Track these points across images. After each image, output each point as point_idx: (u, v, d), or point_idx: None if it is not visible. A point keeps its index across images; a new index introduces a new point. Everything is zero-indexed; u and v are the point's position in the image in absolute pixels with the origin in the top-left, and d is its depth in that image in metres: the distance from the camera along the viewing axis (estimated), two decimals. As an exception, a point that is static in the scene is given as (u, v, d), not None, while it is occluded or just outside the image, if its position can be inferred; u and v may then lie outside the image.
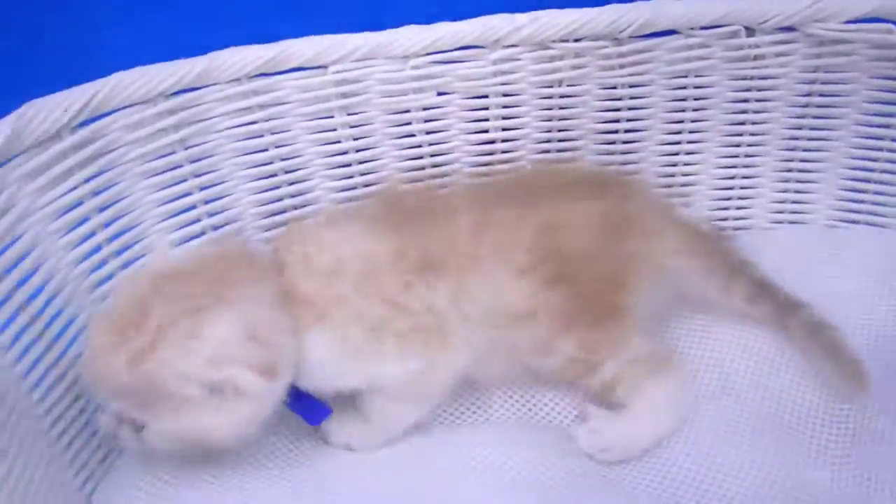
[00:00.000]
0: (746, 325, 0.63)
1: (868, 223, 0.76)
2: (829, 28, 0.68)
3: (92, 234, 0.55)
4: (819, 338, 0.57)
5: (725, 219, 0.79)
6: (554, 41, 0.67)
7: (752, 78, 0.71)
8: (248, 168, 0.63)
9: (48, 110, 0.50)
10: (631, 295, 0.57)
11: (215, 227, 0.64)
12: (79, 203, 0.54)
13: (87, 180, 0.54)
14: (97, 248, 0.55)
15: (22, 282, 0.49)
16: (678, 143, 0.75)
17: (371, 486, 0.51)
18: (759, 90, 0.72)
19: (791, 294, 0.60)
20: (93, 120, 0.54)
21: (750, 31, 0.69)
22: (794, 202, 0.78)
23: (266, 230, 0.67)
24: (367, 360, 0.51)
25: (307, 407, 0.53)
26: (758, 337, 0.63)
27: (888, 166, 0.74)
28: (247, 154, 0.63)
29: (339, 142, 0.67)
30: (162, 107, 0.57)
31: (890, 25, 0.67)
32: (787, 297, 0.60)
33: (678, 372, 0.57)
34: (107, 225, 0.56)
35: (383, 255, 0.52)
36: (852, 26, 0.68)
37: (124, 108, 0.55)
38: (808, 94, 0.72)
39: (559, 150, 0.73)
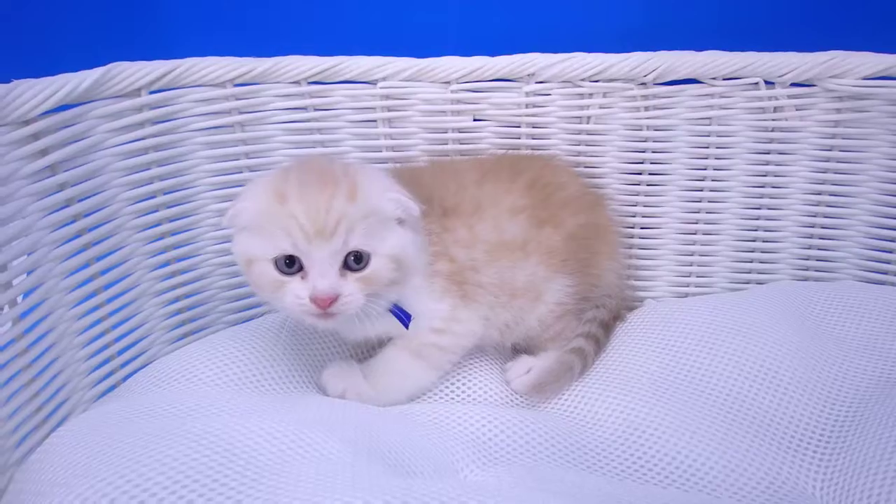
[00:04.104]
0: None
1: (894, 284, 0.75)
2: (846, 84, 0.72)
3: (150, 182, 0.63)
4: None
5: (749, 271, 0.79)
6: (583, 80, 0.74)
7: (773, 129, 0.75)
8: (296, 159, 0.71)
9: (131, 71, 0.60)
10: (605, 252, 0.68)
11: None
12: (144, 152, 0.62)
13: (154, 136, 0.63)
14: (152, 196, 0.63)
15: (82, 199, 0.57)
16: (701, 189, 0.78)
17: (347, 419, 0.53)
18: (781, 142, 0.76)
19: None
20: (168, 90, 0.63)
21: (769, 84, 0.74)
22: (819, 259, 0.78)
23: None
24: (423, 287, 0.59)
25: (400, 312, 0.58)
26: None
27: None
28: (297, 148, 0.71)
29: (380, 150, 0.74)
30: (229, 92, 0.67)
31: (905, 82, 0.71)
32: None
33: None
34: (164, 179, 0.64)
35: (423, 196, 0.59)
36: (869, 82, 0.72)
37: (196, 86, 0.65)
38: (830, 149, 0.75)
39: (585, 186, 0.78)
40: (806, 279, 0.79)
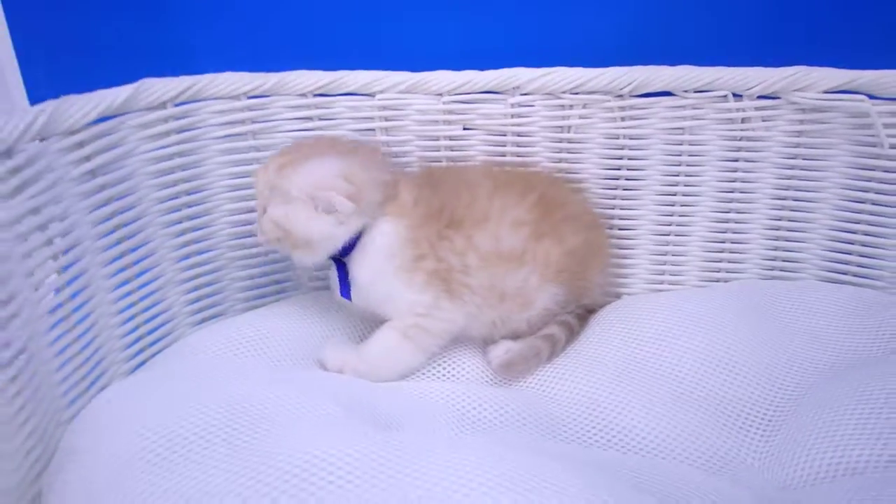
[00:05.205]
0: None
1: (853, 284, 0.81)
2: (809, 97, 0.78)
3: (175, 184, 0.73)
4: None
5: (718, 271, 0.86)
6: (564, 92, 0.81)
7: (741, 139, 0.81)
8: (302, 164, 0.80)
9: (159, 86, 0.69)
10: (597, 268, 0.76)
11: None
12: (170, 158, 0.72)
13: (178, 144, 0.72)
14: (176, 196, 0.73)
15: (118, 198, 0.67)
16: (674, 194, 0.84)
17: (343, 391, 0.62)
18: (748, 151, 0.81)
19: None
20: (190, 102, 0.73)
21: (737, 96, 0.80)
22: (784, 260, 0.84)
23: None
24: (401, 279, 0.68)
25: (342, 280, 0.70)
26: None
27: (870, 228, 0.80)
28: (303, 154, 0.80)
29: (378, 157, 0.82)
30: (243, 104, 0.76)
31: (863, 96, 0.76)
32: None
33: None
34: (186, 182, 0.73)
35: (435, 205, 0.70)
36: (831, 96, 0.77)
37: (215, 99, 0.74)
38: (794, 157, 0.81)
39: (567, 190, 0.85)
40: (771, 279, 0.85)
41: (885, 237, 0.80)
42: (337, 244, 0.68)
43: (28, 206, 0.56)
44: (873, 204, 0.79)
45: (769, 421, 0.65)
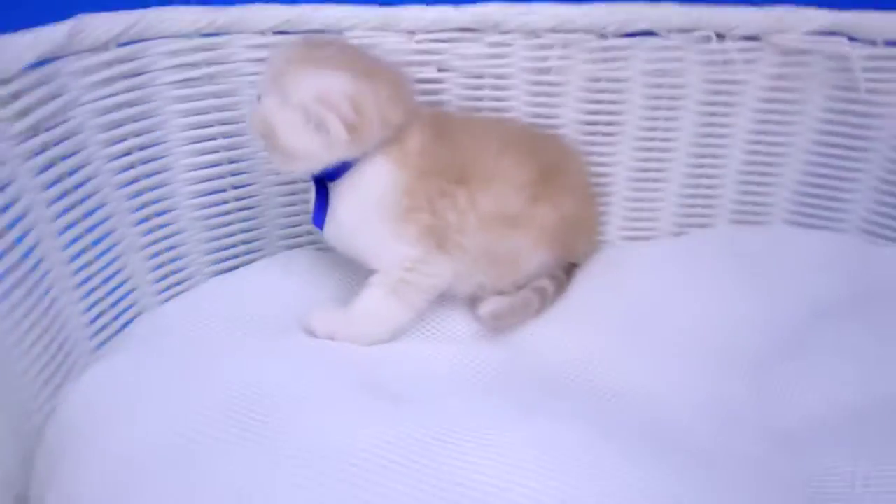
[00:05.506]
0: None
1: (821, 228, 0.83)
2: (790, 38, 0.76)
3: (125, 138, 0.64)
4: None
5: (691, 215, 0.85)
6: (544, 31, 0.76)
7: (721, 82, 0.79)
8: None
9: (99, 24, 0.60)
10: (587, 237, 0.75)
11: (231, 161, 0.72)
12: (118, 108, 0.63)
13: (126, 91, 0.63)
14: (128, 153, 0.64)
15: (64, 158, 0.58)
16: (651, 139, 0.82)
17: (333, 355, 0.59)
18: (728, 94, 0.80)
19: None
20: (136, 42, 0.63)
21: (721, 37, 0.77)
22: (754, 204, 0.85)
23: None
24: (390, 230, 0.63)
25: (320, 206, 0.65)
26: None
27: (842, 173, 0.81)
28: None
29: (346, 101, 0.76)
30: (196, 43, 0.67)
31: (844, 39, 0.75)
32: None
33: None
34: (138, 135, 0.65)
35: (443, 160, 0.65)
36: (811, 38, 0.76)
37: (163, 38, 0.65)
38: (771, 101, 0.80)
39: (544, 134, 0.81)
40: (742, 223, 0.85)
41: (853, 181, 0.81)
42: (319, 165, 0.63)
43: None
44: (844, 148, 0.80)
45: (757, 367, 0.66)
